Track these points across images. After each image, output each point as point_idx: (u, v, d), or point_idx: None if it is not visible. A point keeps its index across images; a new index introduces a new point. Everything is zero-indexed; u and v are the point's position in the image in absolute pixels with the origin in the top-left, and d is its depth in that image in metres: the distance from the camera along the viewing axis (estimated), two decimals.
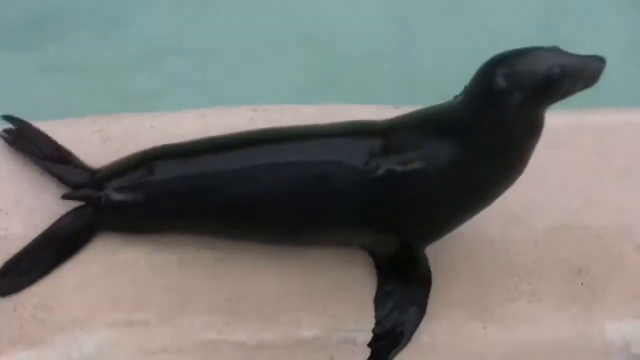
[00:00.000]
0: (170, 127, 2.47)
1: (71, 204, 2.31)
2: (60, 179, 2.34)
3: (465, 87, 2.08)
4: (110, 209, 2.26)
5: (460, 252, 2.37)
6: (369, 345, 2.20)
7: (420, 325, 2.23)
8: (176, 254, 2.30)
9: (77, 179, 2.32)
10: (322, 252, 2.33)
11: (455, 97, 2.11)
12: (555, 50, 2.01)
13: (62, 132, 2.46)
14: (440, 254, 2.34)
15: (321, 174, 2.16)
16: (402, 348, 2.21)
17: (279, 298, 2.26)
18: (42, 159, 2.37)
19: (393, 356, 2.21)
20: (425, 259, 2.31)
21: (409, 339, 2.22)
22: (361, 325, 2.24)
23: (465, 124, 2.06)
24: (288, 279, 2.29)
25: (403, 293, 2.28)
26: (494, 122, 2.01)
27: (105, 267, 2.28)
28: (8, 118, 2.48)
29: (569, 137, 2.63)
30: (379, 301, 2.28)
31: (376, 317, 2.25)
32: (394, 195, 2.13)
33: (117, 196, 2.24)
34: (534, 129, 2.06)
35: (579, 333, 2.30)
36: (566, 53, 2.00)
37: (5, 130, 2.46)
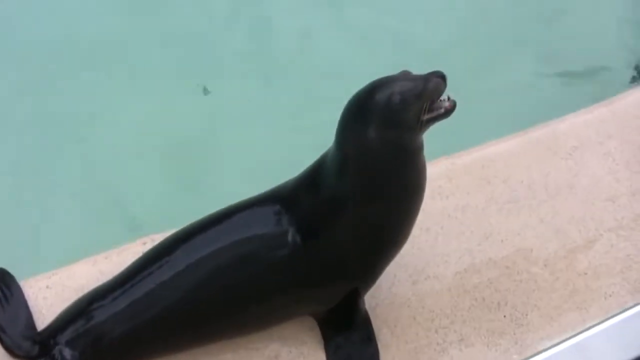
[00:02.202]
0: (66, 283, 2.40)
1: None
2: (10, 350, 2.20)
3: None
4: None
5: (380, 322, 2.37)
6: None
7: None
8: None
9: (26, 348, 2.18)
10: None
11: None
12: (399, 77, 2.03)
13: None
14: None
15: (239, 253, 2.16)
16: None
17: None
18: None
19: None
20: (363, 303, 2.34)
21: None
22: None
23: (342, 168, 2.07)
24: None
25: (351, 340, 2.30)
26: (363, 161, 2.04)
27: None
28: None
29: (447, 183, 2.73)
30: (332, 357, 2.29)
31: None
32: (313, 256, 2.14)
33: (67, 353, 2.13)
34: (407, 154, 2.06)
35: None
36: (409, 77, 2.01)
37: None
